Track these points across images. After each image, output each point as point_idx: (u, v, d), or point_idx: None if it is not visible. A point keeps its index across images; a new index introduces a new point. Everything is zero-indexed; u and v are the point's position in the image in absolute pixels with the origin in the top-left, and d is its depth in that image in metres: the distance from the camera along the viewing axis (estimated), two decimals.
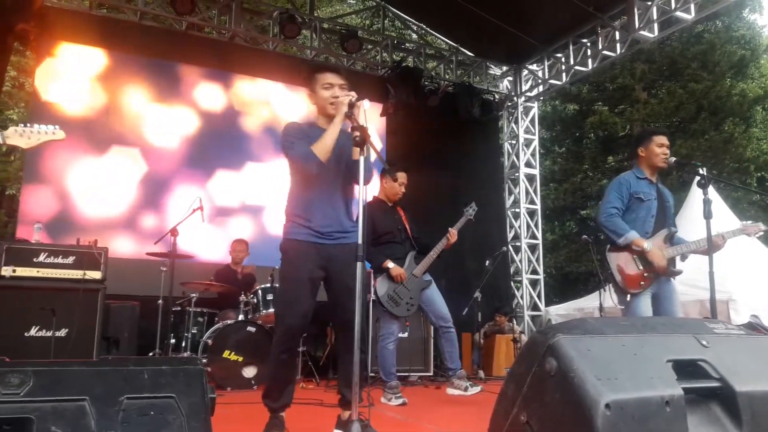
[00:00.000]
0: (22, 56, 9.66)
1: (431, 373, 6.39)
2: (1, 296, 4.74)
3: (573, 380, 1.58)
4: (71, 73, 6.92)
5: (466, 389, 4.57)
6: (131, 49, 7.26)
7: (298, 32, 7.98)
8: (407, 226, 4.80)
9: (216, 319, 5.77)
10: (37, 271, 4.91)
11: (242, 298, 5.67)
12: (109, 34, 7.13)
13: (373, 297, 4.73)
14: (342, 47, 8.29)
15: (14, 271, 4.86)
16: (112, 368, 1.39)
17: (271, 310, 5.56)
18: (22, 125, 2.39)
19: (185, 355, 5.35)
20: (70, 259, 5.02)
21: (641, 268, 3.68)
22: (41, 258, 4.96)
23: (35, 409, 1.29)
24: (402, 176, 4.81)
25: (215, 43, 8.03)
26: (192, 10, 7.18)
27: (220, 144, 7.62)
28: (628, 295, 3.72)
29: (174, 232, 5.55)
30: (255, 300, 5.68)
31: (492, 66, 9.85)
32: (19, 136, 2.36)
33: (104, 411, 1.32)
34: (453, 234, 4.67)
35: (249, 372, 5.20)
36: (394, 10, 9.41)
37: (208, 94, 7.67)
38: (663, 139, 3.87)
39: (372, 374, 5.44)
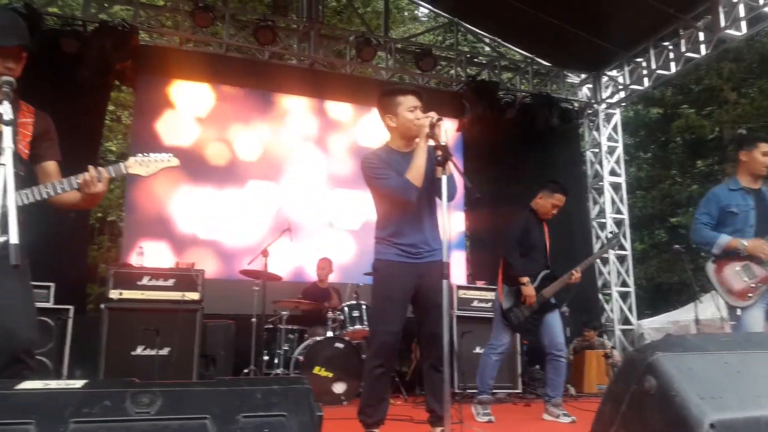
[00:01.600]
0: (118, 91, 10.38)
1: (520, 390, 6.29)
2: (111, 318, 5.12)
3: (674, 399, 1.56)
4: (169, 106, 7.42)
5: (558, 417, 4.48)
6: (222, 80, 7.72)
7: (374, 54, 8.18)
8: (547, 245, 4.74)
9: (305, 335, 5.94)
10: (141, 294, 5.26)
11: (329, 314, 5.82)
12: (200, 67, 7.58)
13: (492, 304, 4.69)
14: (417, 66, 8.40)
15: (121, 294, 5.23)
16: (229, 388, 1.50)
17: (358, 326, 5.70)
18: (141, 155, 2.54)
19: (278, 371, 5.54)
20: (170, 282, 5.35)
21: (746, 279, 3.52)
22: (144, 281, 5.32)
23: (165, 427, 1.41)
24: (559, 198, 4.69)
25: (297, 70, 8.33)
26: (273, 40, 7.52)
27: (316, 167, 7.96)
28: (738, 310, 3.56)
29: (265, 252, 5.80)
30: (342, 317, 5.82)
31: (570, 74, 9.68)
32: (139, 165, 2.52)
33: (224, 429, 1.42)
34: (576, 276, 4.58)
35: (339, 388, 5.31)
36: (467, 25, 9.46)
37: (301, 120, 8.03)
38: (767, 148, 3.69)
39: (458, 390, 5.44)
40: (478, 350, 5.98)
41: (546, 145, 9.05)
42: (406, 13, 16.16)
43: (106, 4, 7.64)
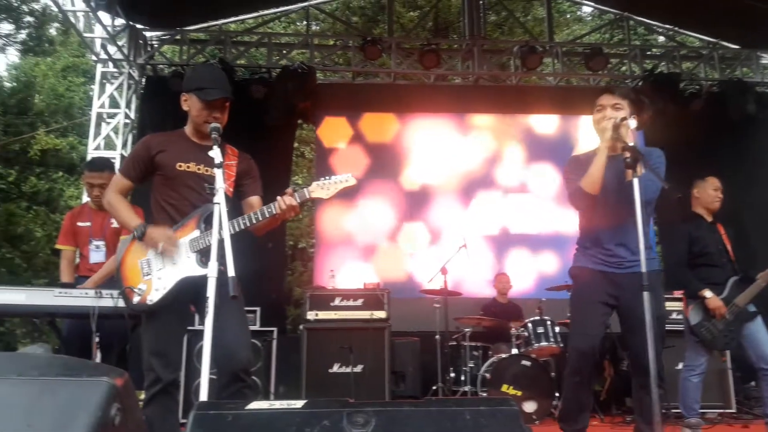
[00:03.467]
0: (301, 129, 11.26)
1: (734, 410, 5.65)
2: (309, 337, 5.50)
3: None
4: (347, 138, 7.94)
5: None
6: (393, 108, 8.09)
7: (540, 62, 8.01)
8: (728, 247, 4.26)
9: (490, 352, 5.90)
10: (335, 314, 5.60)
11: (513, 331, 5.73)
12: (371, 98, 8.06)
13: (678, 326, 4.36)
14: (586, 66, 8.07)
15: (317, 315, 5.61)
16: (438, 409, 1.55)
17: (544, 343, 5.52)
18: (322, 179, 2.72)
19: (465, 389, 5.57)
20: (359, 302, 5.63)
21: None
22: (336, 302, 5.65)
23: None
24: (713, 180, 4.33)
25: (461, 88, 8.45)
26: (437, 62, 7.71)
27: (490, 180, 8.03)
28: None
29: (444, 270, 5.90)
30: (525, 333, 5.69)
31: (764, 55, 8.63)
32: (321, 189, 2.69)
33: None
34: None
35: (529, 407, 5.18)
36: (638, 17, 8.88)
37: (470, 136, 8.15)
38: None
39: (663, 411, 5.03)
40: (680, 366, 5.49)
41: (742, 136, 8.13)
42: (568, 15, 15.59)
43: (284, 51, 8.37)
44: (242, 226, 2.64)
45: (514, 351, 5.57)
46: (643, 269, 2.59)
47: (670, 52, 8.60)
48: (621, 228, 2.91)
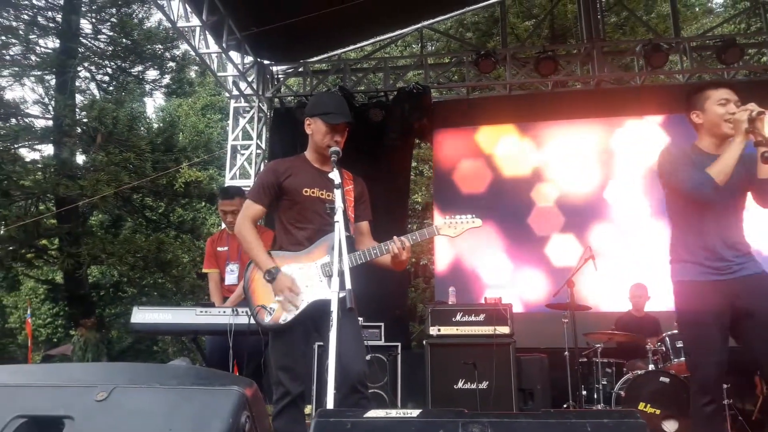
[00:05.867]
0: (418, 148, 11.43)
1: None
2: (432, 353, 5.52)
3: None
4: (464, 154, 7.94)
5: None
6: (511, 120, 7.98)
7: (666, 59, 7.57)
8: None
9: (624, 369, 5.60)
10: (457, 329, 5.57)
11: (649, 346, 5.40)
12: (488, 111, 8.00)
13: None
14: (719, 60, 7.50)
15: (439, 330, 5.62)
16: (557, 420, 1.52)
17: (684, 358, 5.16)
18: (449, 217, 2.85)
19: (599, 407, 5.31)
20: (481, 317, 5.56)
21: None
22: (458, 317, 5.63)
23: None
24: None
25: (582, 94, 8.18)
26: (555, 69, 7.54)
27: (614, 186, 7.68)
28: None
29: (570, 283, 5.69)
30: (663, 348, 5.34)
31: None
32: (448, 227, 2.82)
33: None
34: None
35: (670, 426, 4.85)
36: None
37: (597, 145, 7.84)
38: None
39: None
40: None
41: None
42: (697, 9, 14.57)
43: (399, 72, 8.58)
44: (363, 260, 2.76)
45: (651, 367, 5.25)
46: None
47: None
48: (724, 229, 2.73)
